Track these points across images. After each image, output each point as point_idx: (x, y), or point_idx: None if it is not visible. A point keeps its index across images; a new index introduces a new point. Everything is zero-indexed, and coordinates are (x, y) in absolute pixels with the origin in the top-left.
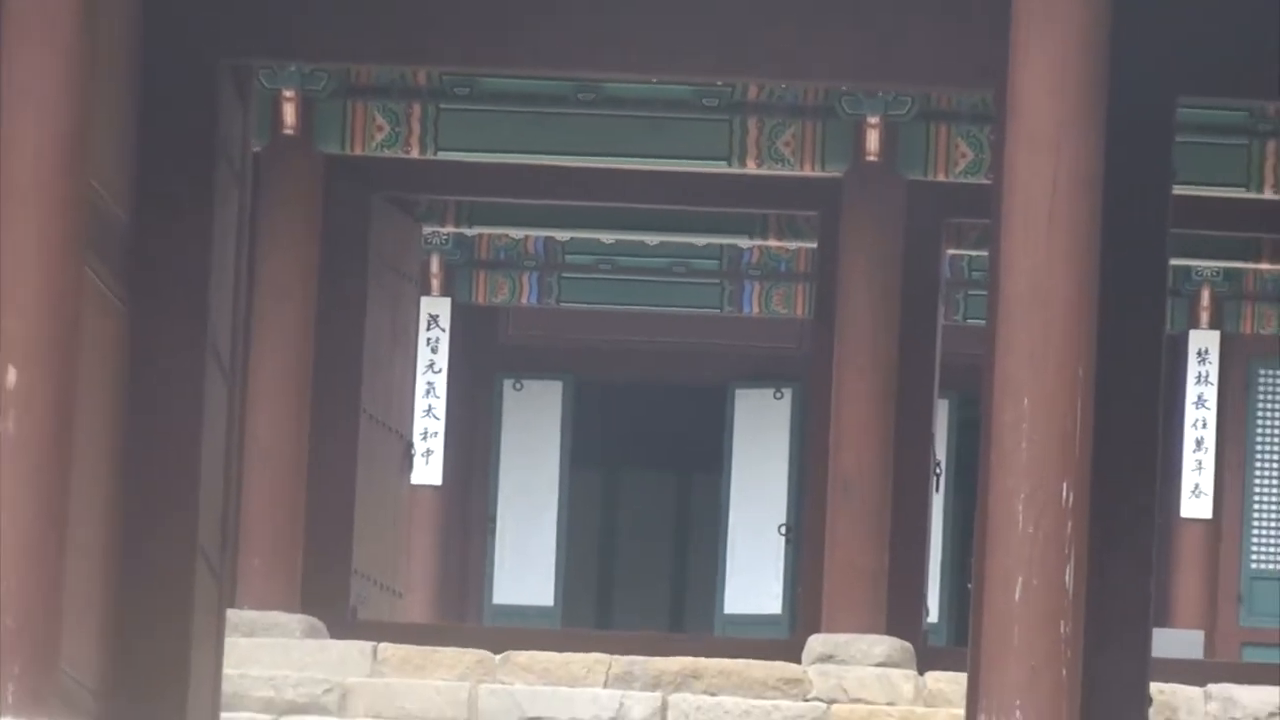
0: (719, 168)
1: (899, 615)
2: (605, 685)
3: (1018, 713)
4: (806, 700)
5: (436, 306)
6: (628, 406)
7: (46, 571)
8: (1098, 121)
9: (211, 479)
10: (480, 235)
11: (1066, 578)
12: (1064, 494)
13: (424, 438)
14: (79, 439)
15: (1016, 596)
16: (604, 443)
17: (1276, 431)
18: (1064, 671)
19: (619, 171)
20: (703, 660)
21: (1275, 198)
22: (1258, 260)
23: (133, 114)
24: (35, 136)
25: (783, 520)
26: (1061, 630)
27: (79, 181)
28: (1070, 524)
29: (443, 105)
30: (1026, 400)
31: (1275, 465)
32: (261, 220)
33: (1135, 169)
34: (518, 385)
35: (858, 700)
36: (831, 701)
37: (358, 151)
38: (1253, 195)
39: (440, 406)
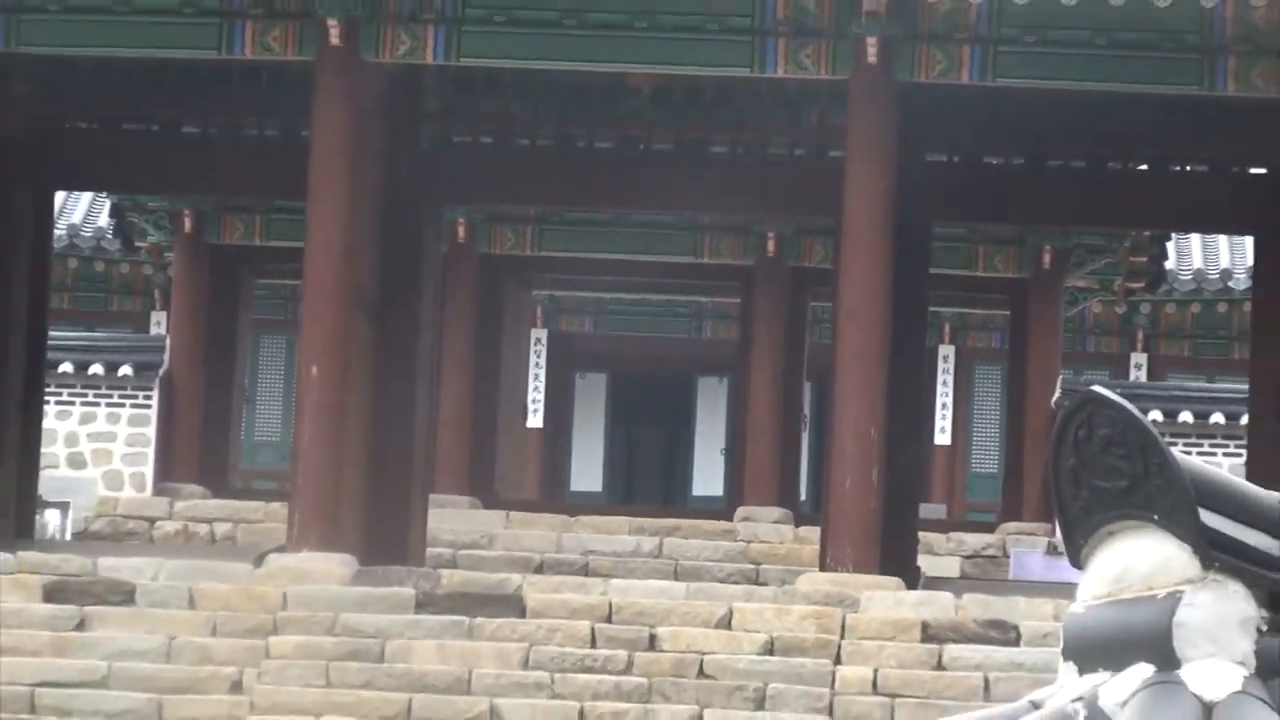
0: (690, 260)
1: (785, 496)
2: (629, 534)
3: (848, 549)
4: (735, 542)
5: (539, 334)
6: (640, 388)
7: (332, 473)
8: (890, 234)
9: (421, 429)
10: (564, 295)
11: (874, 477)
12: (872, 434)
13: (532, 403)
14: (350, 406)
15: (847, 487)
16: (628, 407)
17: (983, 401)
18: (872, 526)
19: (639, 262)
20: (681, 520)
21: (982, 274)
22: (974, 308)
23: (380, 233)
24: (329, 248)
25: (723, 445)
26: (871, 504)
27: (351, 269)
28: (875, 450)
29: (544, 225)
30: (850, 385)
31: (983, 418)
32: (447, 294)
33: (909, 259)
34: (583, 377)
35: (764, 542)
36: (749, 542)
37: (498, 252)
38: (971, 274)
39: (541, 387)
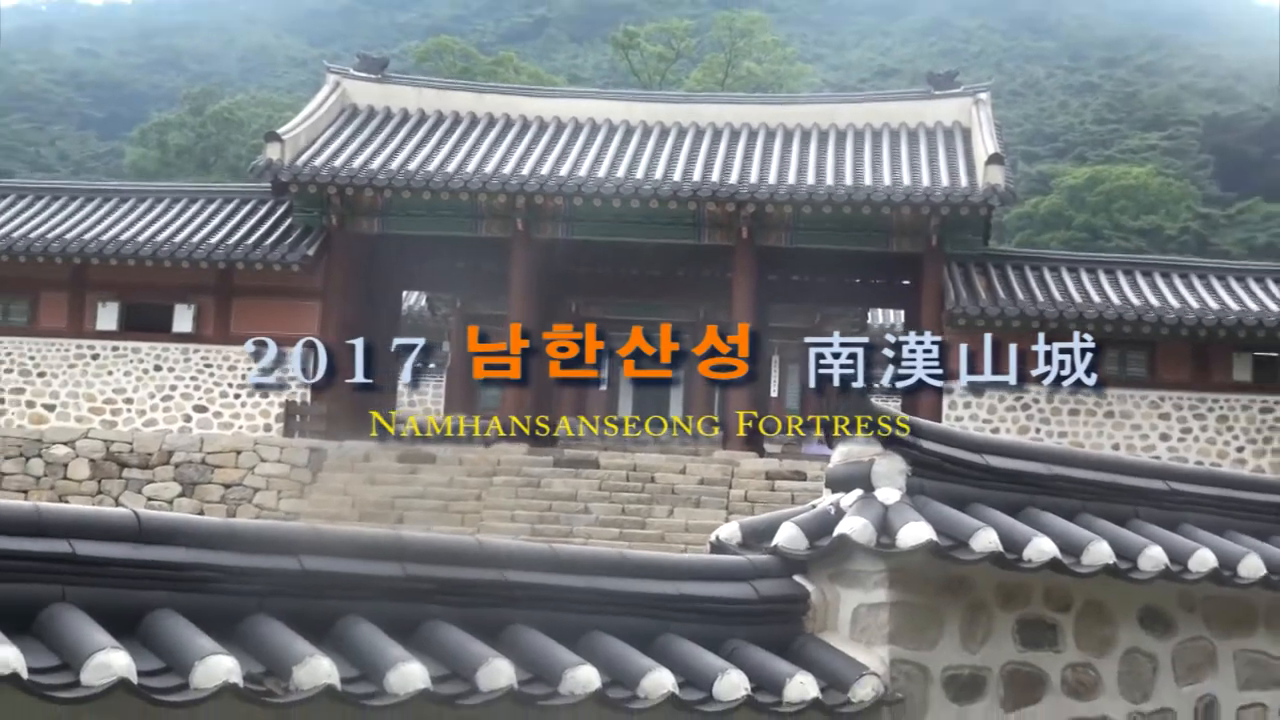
0: (667, 320)
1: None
2: (642, 435)
3: (735, 441)
4: (692, 443)
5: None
6: (645, 381)
7: (517, 410)
8: (753, 309)
9: (557, 393)
10: (614, 335)
11: (752, 412)
12: (744, 394)
13: (604, 385)
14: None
15: (735, 416)
16: (643, 385)
17: (791, 378)
18: (747, 433)
19: (648, 320)
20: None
21: (788, 325)
22: (788, 340)
23: (538, 308)
24: (518, 314)
25: (683, 400)
26: (744, 423)
27: (528, 323)
28: (745, 401)
29: (612, 304)
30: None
31: (790, 386)
32: None
33: (761, 319)
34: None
35: (706, 442)
36: (694, 439)
37: (593, 316)
38: (785, 325)
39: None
